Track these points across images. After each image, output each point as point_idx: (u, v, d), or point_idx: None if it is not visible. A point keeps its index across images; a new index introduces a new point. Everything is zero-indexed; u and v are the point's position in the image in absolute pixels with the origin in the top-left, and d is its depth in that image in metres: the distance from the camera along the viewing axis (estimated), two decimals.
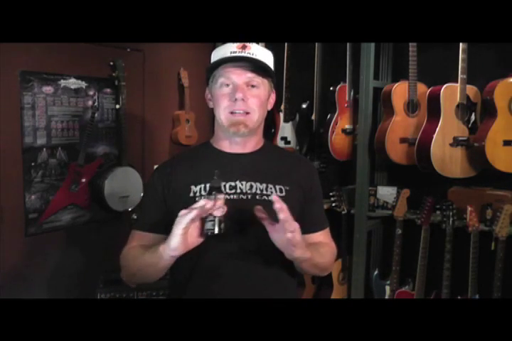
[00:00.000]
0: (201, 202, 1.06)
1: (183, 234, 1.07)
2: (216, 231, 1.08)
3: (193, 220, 1.06)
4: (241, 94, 1.22)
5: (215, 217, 1.08)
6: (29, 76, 2.10)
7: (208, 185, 1.26)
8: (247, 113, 1.24)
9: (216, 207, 1.07)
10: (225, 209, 1.09)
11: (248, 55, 1.24)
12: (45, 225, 2.21)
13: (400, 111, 2.37)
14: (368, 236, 2.60)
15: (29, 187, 2.13)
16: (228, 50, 1.25)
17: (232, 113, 1.24)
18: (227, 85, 1.25)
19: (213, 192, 1.10)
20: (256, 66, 1.25)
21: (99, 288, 2.16)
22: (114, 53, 2.39)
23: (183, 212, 1.07)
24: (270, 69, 1.29)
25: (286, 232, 1.08)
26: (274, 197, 1.08)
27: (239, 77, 1.24)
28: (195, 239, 1.11)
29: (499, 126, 2.12)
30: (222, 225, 1.09)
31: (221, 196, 1.10)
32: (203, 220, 1.09)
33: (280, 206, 1.07)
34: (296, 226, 1.09)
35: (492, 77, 2.18)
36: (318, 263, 1.26)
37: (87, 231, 2.38)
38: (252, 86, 1.25)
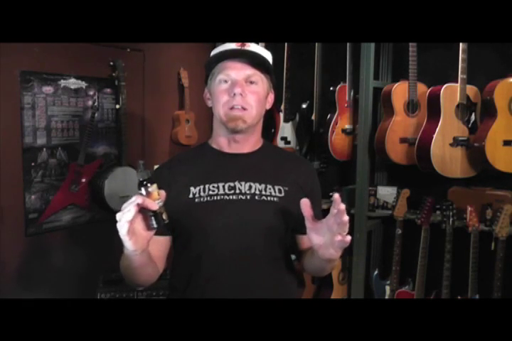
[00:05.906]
0: (132, 199, 1.00)
1: (126, 234, 1.01)
2: (155, 225, 1.04)
3: (131, 220, 1.00)
4: (240, 88, 1.22)
5: (152, 211, 1.03)
6: (29, 76, 2.10)
7: (207, 186, 1.26)
8: (245, 109, 1.24)
9: (147, 202, 1.01)
10: (162, 198, 1.04)
11: (247, 50, 1.24)
12: (45, 225, 2.21)
13: (399, 111, 2.37)
14: (368, 236, 2.60)
15: (29, 187, 2.13)
16: (227, 48, 1.26)
17: (230, 108, 1.23)
18: (226, 81, 1.25)
19: (145, 183, 1.03)
20: (255, 61, 1.24)
21: (99, 288, 2.16)
22: (114, 53, 2.39)
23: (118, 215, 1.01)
24: (269, 65, 1.29)
25: (337, 234, 1.05)
26: (335, 197, 1.01)
27: (238, 72, 1.23)
28: (144, 235, 1.05)
29: (499, 126, 2.12)
30: (164, 216, 1.04)
31: (151, 188, 1.03)
32: (146, 215, 1.04)
33: (343, 207, 1.02)
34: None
35: (492, 77, 2.18)
36: (335, 262, 1.26)
37: (87, 231, 2.38)
38: (251, 82, 1.25)
